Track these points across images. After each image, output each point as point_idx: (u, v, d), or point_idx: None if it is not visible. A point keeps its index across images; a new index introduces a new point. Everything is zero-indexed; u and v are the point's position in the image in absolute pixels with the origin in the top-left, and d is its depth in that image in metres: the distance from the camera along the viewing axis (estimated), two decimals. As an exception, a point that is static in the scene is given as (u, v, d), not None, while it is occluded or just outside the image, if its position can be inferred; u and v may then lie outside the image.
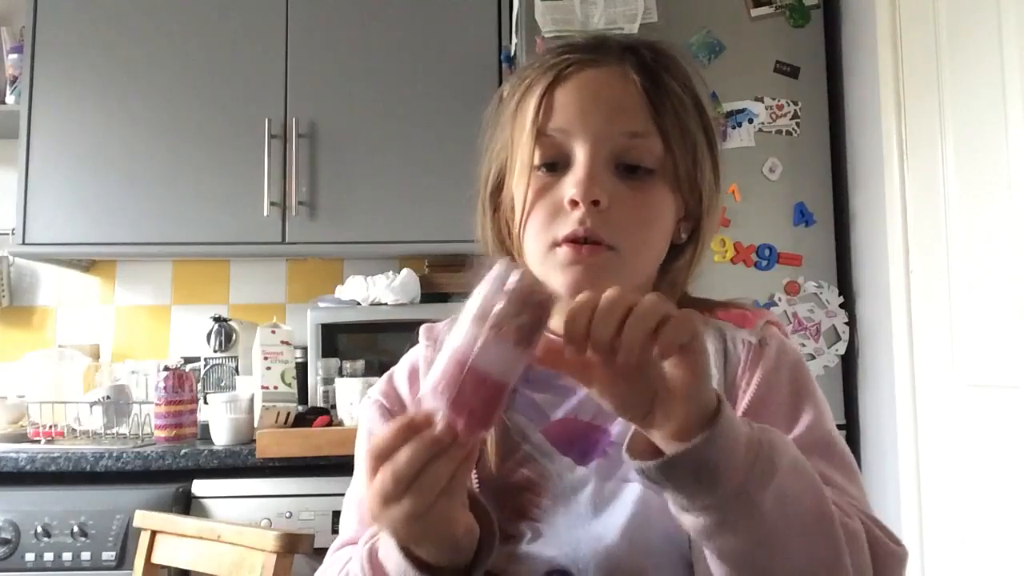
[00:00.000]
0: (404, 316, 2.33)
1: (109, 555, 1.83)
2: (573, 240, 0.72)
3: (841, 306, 2.03)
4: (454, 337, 0.56)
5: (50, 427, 2.13)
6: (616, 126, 0.73)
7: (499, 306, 0.55)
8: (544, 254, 0.74)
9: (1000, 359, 1.56)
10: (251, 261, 2.68)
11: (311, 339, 2.32)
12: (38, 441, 2.11)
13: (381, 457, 0.56)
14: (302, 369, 2.29)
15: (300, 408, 2.10)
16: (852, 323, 2.03)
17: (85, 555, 1.83)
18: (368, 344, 2.34)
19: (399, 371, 0.83)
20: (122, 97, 2.38)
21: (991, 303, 1.58)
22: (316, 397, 2.23)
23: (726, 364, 0.77)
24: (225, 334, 2.40)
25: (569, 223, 0.72)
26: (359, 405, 0.83)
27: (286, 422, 2.03)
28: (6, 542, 1.84)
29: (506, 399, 0.57)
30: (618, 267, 0.73)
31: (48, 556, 1.84)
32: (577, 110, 0.73)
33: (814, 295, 2.02)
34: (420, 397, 0.59)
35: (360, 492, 0.78)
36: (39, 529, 1.84)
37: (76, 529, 1.84)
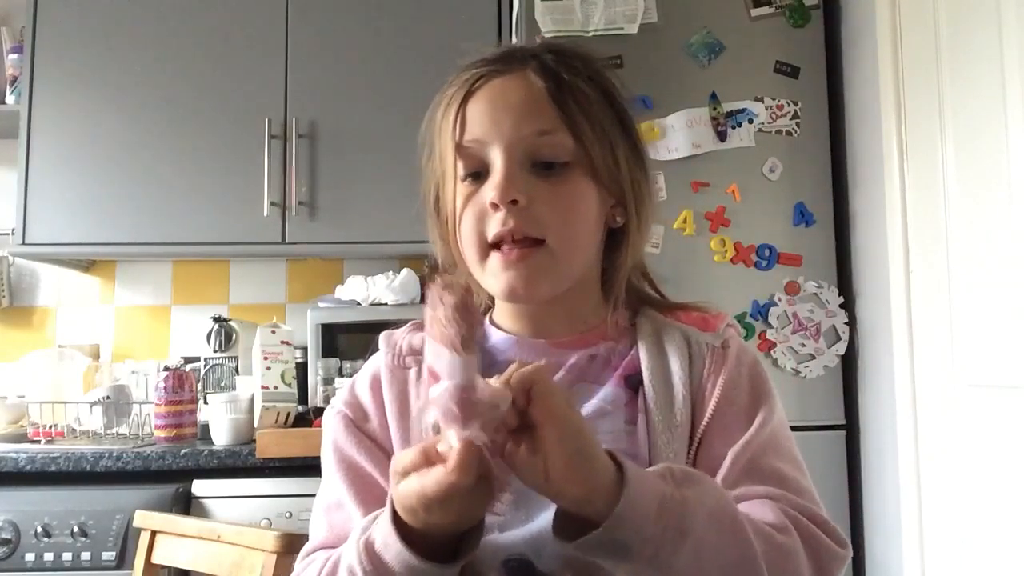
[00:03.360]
0: (404, 316, 2.30)
1: (109, 555, 1.83)
2: (501, 241, 0.76)
3: (841, 306, 2.03)
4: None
5: (50, 427, 2.13)
6: (525, 128, 0.77)
7: (440, 320, 0.61)
8: (479, 260, 0.78)
9: (1000, 359, 1.56)
10: (251, 261, 2.68)
11: (311, 339, 2.32)
12: (38, 441, 2.11)
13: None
14: (302, 369, 2.29)
15: (300, 408, 2.10)
16: (852, 323, 2.03)
17: (85, 555, 1.83)
18: (368, 344, 2.30)
19: (361, 380, 0.86)
20: (122, 97, 2.38)
21: (991, 303, 1.58)
22: (316, 397, 2.23)
23: (692, 367, 0.80)
24: (225, 334, 2.40)
25: (495, 224, 0.76)
26: (324, 416, 0.84)
27: (286, 422, 2.03)
28: (6, 542, 1.84)
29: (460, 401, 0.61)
30: (550, 263, 0.77)
31: (48, 556, 1.84)
32: (488, 119, 0.78)
33: (814, 295, 2.02)
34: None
35: (330, 499, 0.81)
36: (39, 529, 1.84)
37: (76, 529, 1.84)
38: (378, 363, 0.85)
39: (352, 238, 2.39)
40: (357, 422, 0.82)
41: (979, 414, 1.62)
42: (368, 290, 2.35)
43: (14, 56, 2.52)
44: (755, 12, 2.10)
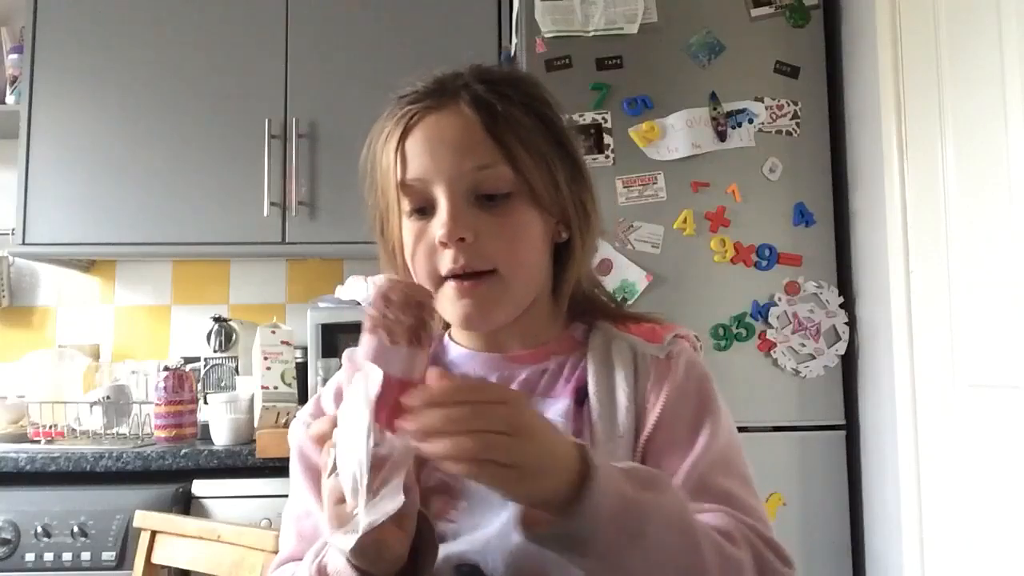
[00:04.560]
0: (404, 316, 2.32)
1: (109, 555, 1.83)
2: (454, 276, 0.78)
3: (841, 306, 2.03)
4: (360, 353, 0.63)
5: (50, 427, 2.13)
6: (464, 164, 0.78)
7: (386, 315, 0.64)
8: (434, 290, 0.79)
9: (1000, 359, 1.56)
10: (251, 261, 2.68)
11: (311, 339, 2.32)
12: (38, 441, 2.11)
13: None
14: (302, 369, 2.29)
15: (300, 408, 2.10)
16: (852, 323, 2.03)
17: (85, 555, 1.83)
18: None
19: (326, 393, 0.88)
20: (122, 97, 2.38)
21: (991, 303, 1.58)
22: (316, 397, 2.23)
23: (636, 379, 0.81)
24: (225, 334, 2.40)
25: (446, 261, 0.78)
26: (290, 430, 0.89)
27: (286, 422, 2.03)
28: (6, 542, 1.84)
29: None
30: (502, 290, 0.79)
31: (48, 556, 1.84)
32: (428, 157, 0.79)
33: (814, 295, 2.02)
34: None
35: (298, 508, 0.83)
36: (39, 529, 1.84)
37: (76, 529, 1.84)
38: (341, 378, 0.85)
39: (352, 238, 2.38)
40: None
41: (979, 414, 1.62)
42: (368, 290, 2.35)
43: (14, 56, 2.52)
44: (755, 12, 2.10)
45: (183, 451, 1.95)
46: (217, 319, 2.41)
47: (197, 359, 2.40)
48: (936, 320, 1.74)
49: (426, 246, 0.79)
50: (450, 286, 0.79)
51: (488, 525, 0.74)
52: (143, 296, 2.69)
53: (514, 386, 0.83)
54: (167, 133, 2.37)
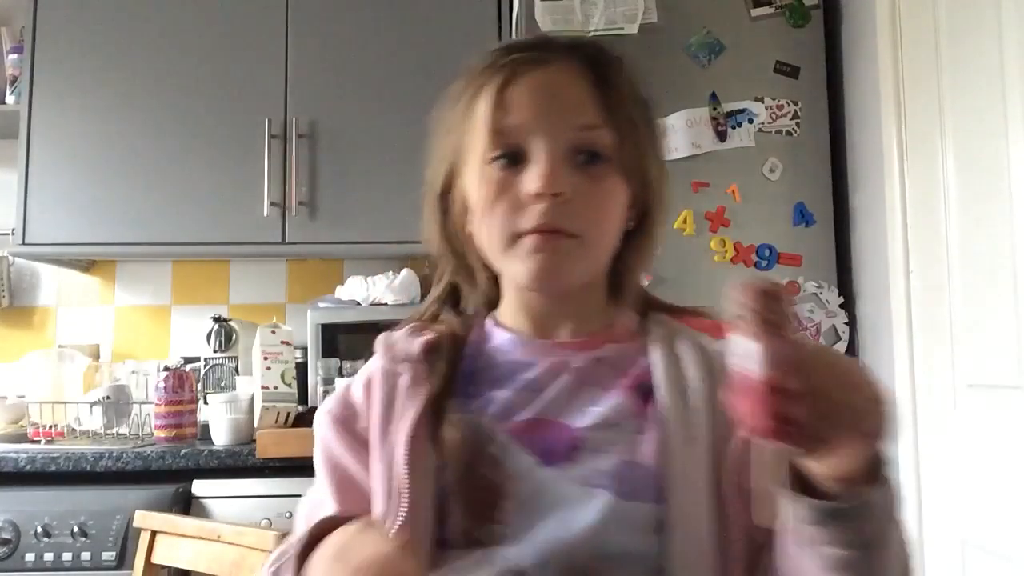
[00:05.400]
0: (404, 316, 2.32)
1: (109, 555, 1.83)
2: (536, 232, 0.74)
3: (841, 306, 2.03)
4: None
5: (50, 427, 2.13)
6: (571, 120, 0.75)
7: (775, 314, 0.56)
8: (506, 247, 0.75)
9: (1000, 359, 1.56)
10: (251, 261, 2.68)
11: (311, 339, 2.32)
12: (38, 441, 2.11)
13: None
14: (302, 369, 2.29)
15: (300, 408, 2.10)
16: (852, 323, 2.03)
17: (85, 555, 1.83)
18: (368, 344, 2.29)
19: (356, 382, 0.84)
20: (122, 97, 2.38)
21: (991, 303, 1.58)
22: (316, 397, 2.23)
23: (711, 379, 0.75)
24: (225, 334, 2.40)
25: (532, 216, 0.73)
26: (316, 418, 0.86)
27: (286, 422, 2.03)
28: (6, 542, 1.84)
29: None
30: (580, 255, 0.75)
31: (48, 556, 1.84)
32: (531, 107, 0.75)
33: (814, 295, 2.02)
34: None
35: (313, 498, 0.80)
36: (39, 529, 1.84)
37: (76, 529, 1.84)
38: (373, 367, 0.83)
39: (352, 238, 2.39)
40: (346, 421, 0.81)
41: (979, 414, 1.62)
42: (368, 290, 2.35)
43: (14, 56, 2.52)
44: (755, 12, 2.10)
45: (183, 451, 1.95)
46: (217, 319, 2.41)
47: (197, 359, 2.40)
48: (936, 320, 1.73)
49: (510, 199, 0.74)
50: (528, 240, 0.74)
51: (538, 529, 0.69)
52: (143, 296, 2.69)
53: (567, 376, 0.77)
54: (167, 133, 2.37)
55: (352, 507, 0.73)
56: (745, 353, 0.56)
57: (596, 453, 0.72)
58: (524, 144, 0.75)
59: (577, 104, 0.75)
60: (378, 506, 0.72)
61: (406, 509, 0.70)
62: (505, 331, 0.82)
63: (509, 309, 0.83)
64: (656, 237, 0.83)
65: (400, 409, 0.76)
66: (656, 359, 0.78)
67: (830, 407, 0.54)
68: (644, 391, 0.76)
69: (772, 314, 0.56)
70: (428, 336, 0.81)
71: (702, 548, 0.69)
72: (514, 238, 0.75)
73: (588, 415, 0.75)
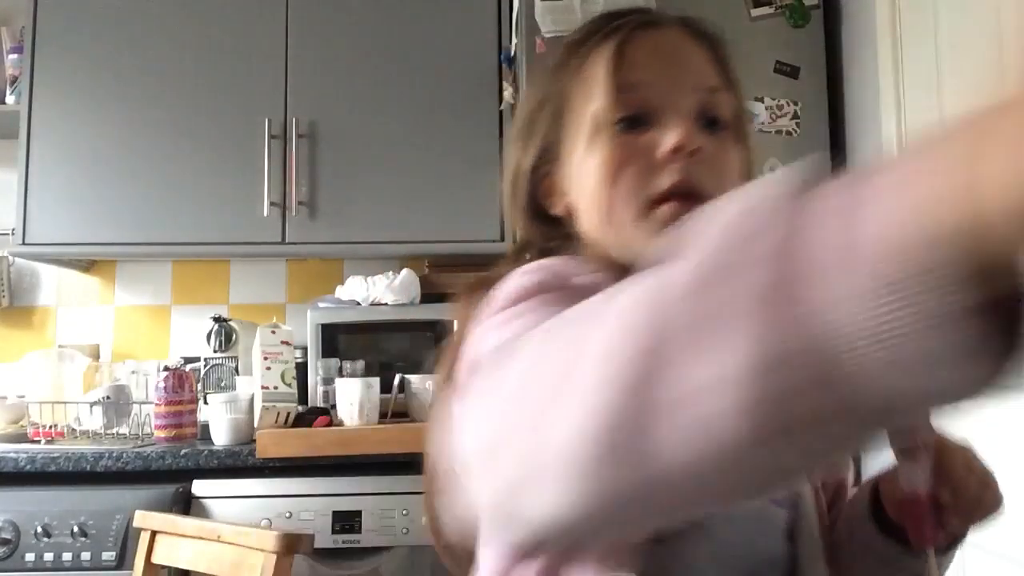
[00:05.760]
0: (404, 316, 2.33)
1: (109, 555, 1.83)
2: (674, 193, 0.66)
3: (841, 306, 2.02)
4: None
5: (50, 427, 2.13)
6: (700, 81, 0.70)
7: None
8: (637, 216, 0.66)
9: (1000, 359, 1.56)
10: (251, 261, 2.68)
11: (311, 339, 2.32)
12: (38, 441, 2.11)
13: None
14: (302, 369, 2.29)
15: (300, 408, 2.10)
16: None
17: (85, 555, 1.83)
18: (368, 344, 2.34)
19: (545, 267, 0.65)
20: (122, 97, 2.38)
21: (991, 303, 1.58)
22: (316, 397, 2.23)
23: None
24: (225, 334, 2.40)
25: (669, 175, 0.66)
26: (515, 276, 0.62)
27: (286, 422, 2.03)
28: (6, 542, 1.84)
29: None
30: None
31: (48, 556, 1.84)
32: (659, 64, 0.70)
33: (814, 295, 2.02)
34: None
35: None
36: (39, 529, 1.84)
37: (76, 529, 1.84)
38: (563, 274, 0.64)
39: (352, 238, 2.39)
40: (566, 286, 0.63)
41: (979, 414, 1.62)
42: (368, 290, 2.35)
43: (14, 56, 2.52)
44: (755, 12, 2.10)
45: (183, 451, 1.95)
46: (217, 319, 2.41)
47: (197, 359, 2.40)
48: (936, 320, 1.73)
49: (641, 162, 0.67)
50: (667, 208, 0.65)
51: (709, 526, 0.63)
52: (143, 296, 2.69)
53: None
54: (167, 133, 2.37)
55: None
56: (906, 473, 0.62)
57: None
58: (650, 103, 0.68)
59: (702, 64, 0.71)
60: None
61: None
62: None
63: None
64: None
65: None
66: None
67: (969, 506, 0.62)
68: None
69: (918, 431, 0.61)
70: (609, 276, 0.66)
71: (819, 548, 0.70)
72: (648, 206, 0.66)
73: None
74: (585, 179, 0.69)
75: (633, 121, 0.68)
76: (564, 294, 0.58)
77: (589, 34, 0.72)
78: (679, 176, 0.65)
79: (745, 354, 0.33)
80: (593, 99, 0.69)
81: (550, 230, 0.75)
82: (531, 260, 0.72)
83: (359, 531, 1.87)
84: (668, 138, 0.66)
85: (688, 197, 0.65)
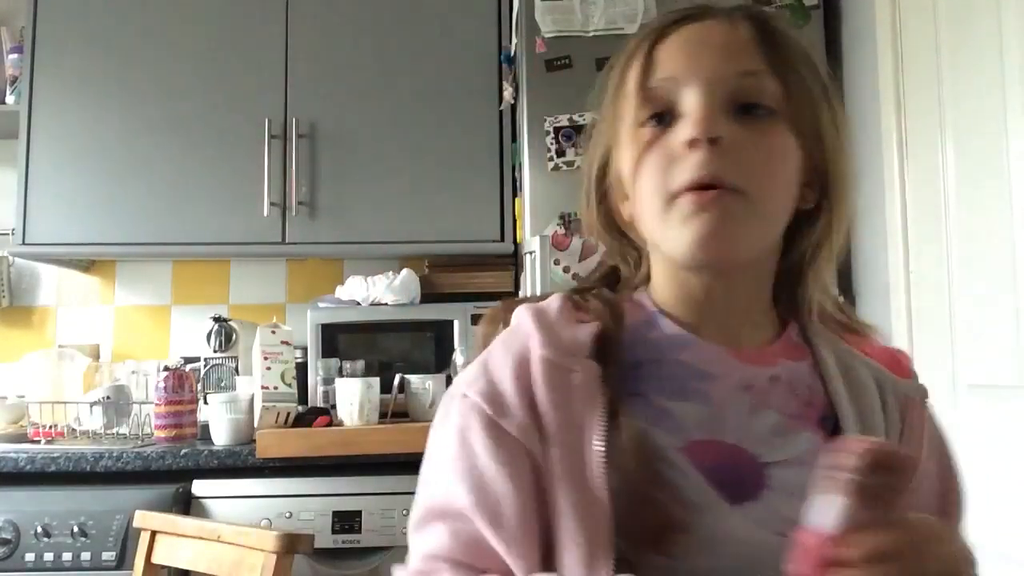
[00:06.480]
0: (404, 316, 2.33)
1: (109, 555, 1.83)
2: (695, 187, 0.64)
3: (841, 306, 2.02)
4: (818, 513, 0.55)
5: (50, 427, 2.13)
6: (728, 67, 0.67)
7: (868, 482, 0.54)
8: (662, 211, 0.66)
9: (1000, 359, 1.56)
10: (251, 261, 2.68)
11: (311, 339, 2.32)
12: (38, 441, 2.11)
13: None
14: (302, 369, 2.29)
15: (300, 408, 2.10)
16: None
17: (85, 555, 1.83)
18: (368, 344, 2.34)
19: (500, 366, 0.67)
20: (122, 97, 2.38)
21: (991, 303, 1.58)
22: (316, 397, 2.23)
23: (887, 419, 0.69)
24: (225, 334, 2.40)
25: (688, 168, 0.65)
26: (446, 397, 0.69)
27: (286, 422, 2.03)
28: (6, 542, 1.84)
29: None
30: (747, 214, 0.65)
31: (48, 556, 1.84)
32: (683, 57, 0.68)
33: (814, 295, 2.02)
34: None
35: (447, 503, 0.64)
36: (39, 529, 1.84)
37: (76, 529, 1.84)
38: (526, 351, 0.67)
39: (352, 238, 2.39)
40: (497, 418, 0.64)
41: (979, 414, 1.62)
42: (368, 290, 2.35)
43: (14, 56, 2.52)
44: (755, 12, 2.10)
45: (183, 451, 1.95)
46: (217, 319, 2.41)
47: (197, 359, 2.39)
48: (936, 320, 1.73)
49: (662, 154, 0.66)
50: (686, 199, 0.64)
51: (710, 572, 0.61)
52: (143, 296, 2.69)
53: (749, 396, 0.67)
54: (167, 133, 2.37)
55: (501, 532, 0.61)
56: (823, 508, 0.54)
57: (785, 495, 0.63)
58: (676, 97, 0.67)
59: (736, 50, 0.68)
60: (566, 518, 0.61)
61: (608, 535, 0.60)
62: (671, 322, 0.71)
63: (664, 290, 0.72)
64: (841, 221, 0.71)
65: (581, 416, 0.63)
66: (840, 391, 0.69)
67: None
68: (826, 424, 0.68)
69: (877, 485, 0.53)
70: (594, 327, 0.68)
71: None
72: (670, 199, 0.66)
73: (777, 448, 0.65)
74: (628, 184, 0.70)
75: (662, 118, 0.68)
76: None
77: (633, 40, 0.72)
78: (696, 170, 0.64)
79: None
80: (629, 103, 0.69)
81: (623, 245, 0.76)
82: (582, 298, 0.73)
83: (359, 531, 1.87)
84: (683, 132, 0.66)
85: (708, 187, 0.64)
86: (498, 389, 0.65)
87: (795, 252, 0.72)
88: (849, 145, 0.73)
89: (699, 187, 0.64)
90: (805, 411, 0.68)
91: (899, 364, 0.72)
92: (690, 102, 0.66)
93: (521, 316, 0.70)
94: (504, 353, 0.67)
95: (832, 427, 0.68)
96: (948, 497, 0.71)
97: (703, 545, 0.61)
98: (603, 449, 0.61)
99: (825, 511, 0.54)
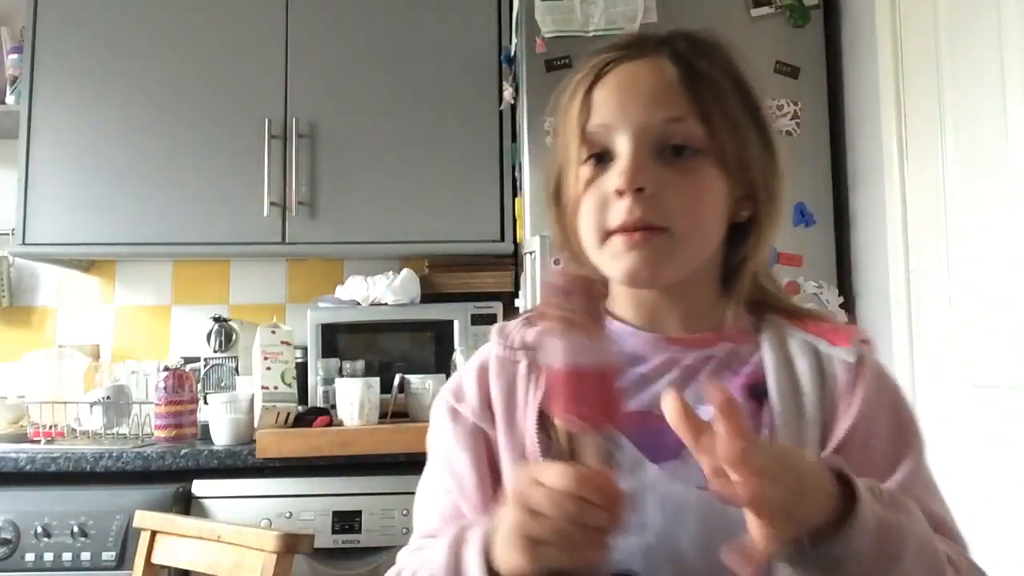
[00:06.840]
0: (404, 316, 2.33)
1: (109, 555, 1.83)
2: (623, 230, 0.73)
3: (841, 306, 2.03)
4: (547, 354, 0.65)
5: (50, 427, 2.13)
6: (655, 114, 0.74)
7: (568, 310, 0.63)
8: (598, 245, 0.76)
9: (1001, 359, 1.56)
10: (251, 261, 2.68)
11: (311, 339, 2.32)
12: (38, 441, 2.11)
13: (525, 506, 0.60)
14: (302, 369, 2.29)
15: (300, 408, 2.10)
16: (852, 323, 2.03)
17: (85, 555, 1.83)
18: (368, 344, 2.34)
19: (468, 369, 0.83)
20: (122, 97, 2.38)
21: (991, 303, 1.58)
22: (316, 397, 2.23)
23: (823, 384, 0.75)
24: (225, 334, 2.40)
25: (618, 213, 0.73)
26: (433, 403, 0.85)
27: (286, 422, 2.03)
28: (6, 542, 1.84)
29: (615, 383, 0.65)
30: (672, 249, 0.74)
31: (48, 556, 1.84)
32: (616, 104, 0.75)
33: (814, 295, 2.02)
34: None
35: (435, 485, 0.80)
36: (39, 529, 1.84)
37: (76, 529, 1.84)
38: (488, 352, 0.83)
39: (352, 238, 2.39)
40: (461, 413, 0.80)
41: (980, 414, 1.62)
42: (368, 290, 2.35)
43: (14, 56, 2.52)
44: (755, 12, 2.10)
45: (183, 451, 1.95)
46: (217, 319, 2.41)
47: (197, 359, 2.40)
48: (936, 320, 1.73)
49: (597, 195, 0.75)
50: (617, 239, 0.74)
51: (646, 532, 0.69)
52: (143, 296, 2.69)
53: (677, 371, 0.77)
54: (167, 133, 2.37)
55: (469, 499, 0.76)
56: (550, 349, 0.64)
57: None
58: (610, 142, 0.75)
59: (661, 97, 0.75)
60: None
61: None
62: (616, 321, 0.82)
63: (620, 300, 0.83)
64: (766, 228, 0.80)
65: (523, 397, 0.77)
66: (769, 360, 0.77)
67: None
68: (757, 392, 0.75)
69: (570, 311, 0.62)
70: (542, 326, 0.77)
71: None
72: (604, 236, 0.75)
73: (699, 413, 0.71)
74: (572, 210, 0.79)
75: (600, 157, 0.76)
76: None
77: (578, 72, 0.80)
78: (625, 216, 0.73)
79: None
80: (572, 140, 0.77)
81: (574, 251, 0.83)
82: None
83: (359, 531, 1.87)
84: (612, 180, 0.74)
85: (640, 229, 0.73)
86: (462, 385, 0.82)
87: (737, 253, 0.81)
88: (777, 155, 0.81)
89: (628, 230, 0.73)
90: (731, 381, 0.76)
91: (837, 335, 0.78)
92: (620, 149, 0.74)
93: (492, 332, 0.84)
94: (473, 360, 0.84)
95: (761, 392, 0.76)
96: (903, 438, 0.76)
97: (633, 504, 0.68)
98: (536, 424, 0.74)
99: (553, 352, 0.64)
